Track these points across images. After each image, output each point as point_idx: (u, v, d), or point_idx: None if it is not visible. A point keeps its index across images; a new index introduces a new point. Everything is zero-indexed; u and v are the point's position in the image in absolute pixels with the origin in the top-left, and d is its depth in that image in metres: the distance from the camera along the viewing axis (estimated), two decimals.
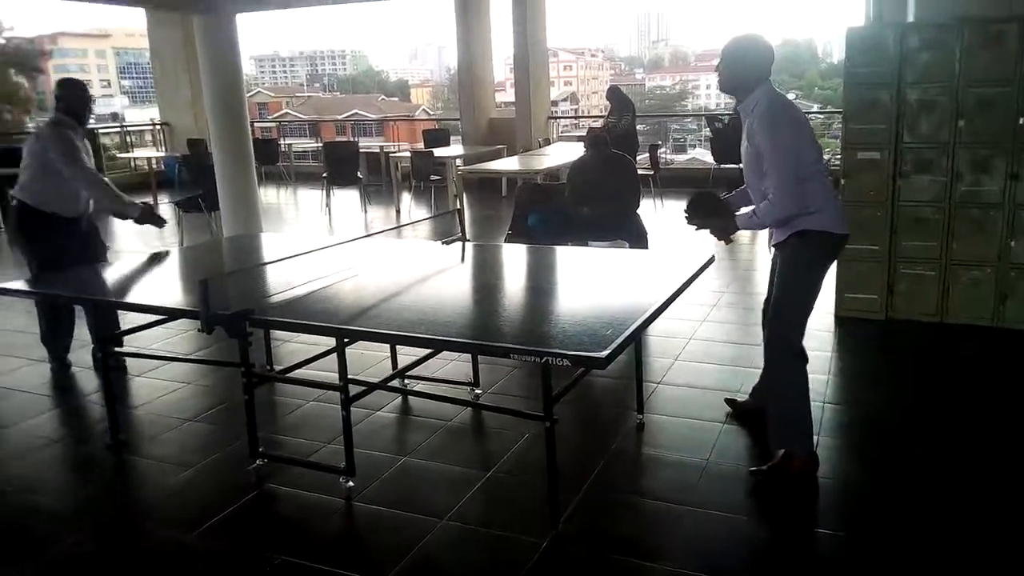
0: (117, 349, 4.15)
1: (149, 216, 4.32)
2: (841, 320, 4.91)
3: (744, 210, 3.06)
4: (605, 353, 2.23)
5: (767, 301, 3.25)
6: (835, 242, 2.99)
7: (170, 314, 3.44)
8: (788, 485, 2.96)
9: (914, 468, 3.11)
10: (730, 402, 3.61)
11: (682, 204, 3.21)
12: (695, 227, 3.12)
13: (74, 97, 4.21)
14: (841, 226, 2.97)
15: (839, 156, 5.15)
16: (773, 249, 3.16)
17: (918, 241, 4.75)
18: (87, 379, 4.33)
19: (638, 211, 5.65)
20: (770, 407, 3.12)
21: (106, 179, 4.36)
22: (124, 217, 4.31)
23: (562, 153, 9.64)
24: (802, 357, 3.02)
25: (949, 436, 3.38)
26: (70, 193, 4.18)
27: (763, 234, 2.89)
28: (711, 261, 3.37)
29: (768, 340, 3.10)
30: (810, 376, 3.06)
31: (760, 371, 3.42)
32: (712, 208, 3.11)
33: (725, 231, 3.07)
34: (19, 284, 3.50)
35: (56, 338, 4.40)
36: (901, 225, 4.78)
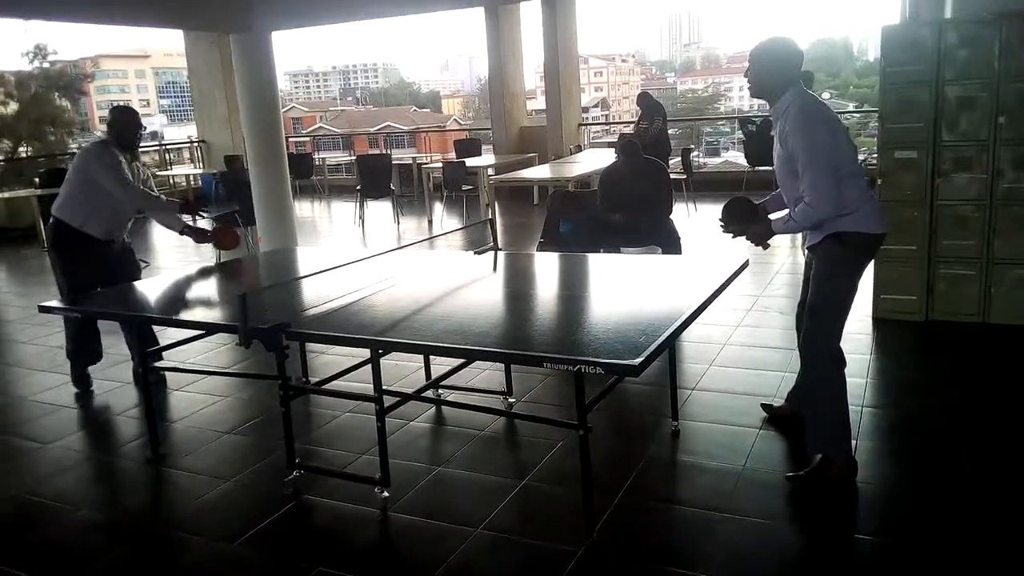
0: (157, 364, 4.22)
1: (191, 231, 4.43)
2: (879, 322, 4.82)
3: (779, 214, 3.02)
4: (639, 360, 2.22)
5: (801, 305, 3.21)
6: (871, 242, 2.93)
7: (208, 329, 3.50)
8: (826, 490, 2.91)
9: (955, 473, 3.03)
10: (766, 407, 3.56)
11: (716, 208, 3.18)
12: (731, 235, 3.09)
13: (124, 124, 4.28)
14: (878, 225, 2.91)
15: (875, 156, 5.07)
16: (807, 252, 3.12)
17: (958, 240, 4.65)
18: (127, 394, 4.41)
19: (671, 216, 5.62)
20: (806, 411, 3.07)
21: (152, 193, 4.45)
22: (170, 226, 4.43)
23: (593, 160, 9.63)
24: (839, 360, 2.97)
25: (991, 440, 3.30)
26: (106, 214, 4.24)
27: (798, 237, 2.83)
28: (745, 265, 3.34)
29: (804, 344, 3.05)
30: (848, 380, 3.01)
31: (796, 375, 3.37)
32: (747, 214, 3.07)
33: (762, 237, 3.03)
34: (61, 302, 3.59)
35: (82, 355, 4.47)
36: (940, 224, 4.69)
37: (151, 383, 4.17)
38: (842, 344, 2.97)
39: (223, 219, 4.53)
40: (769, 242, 3.07)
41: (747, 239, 3.06)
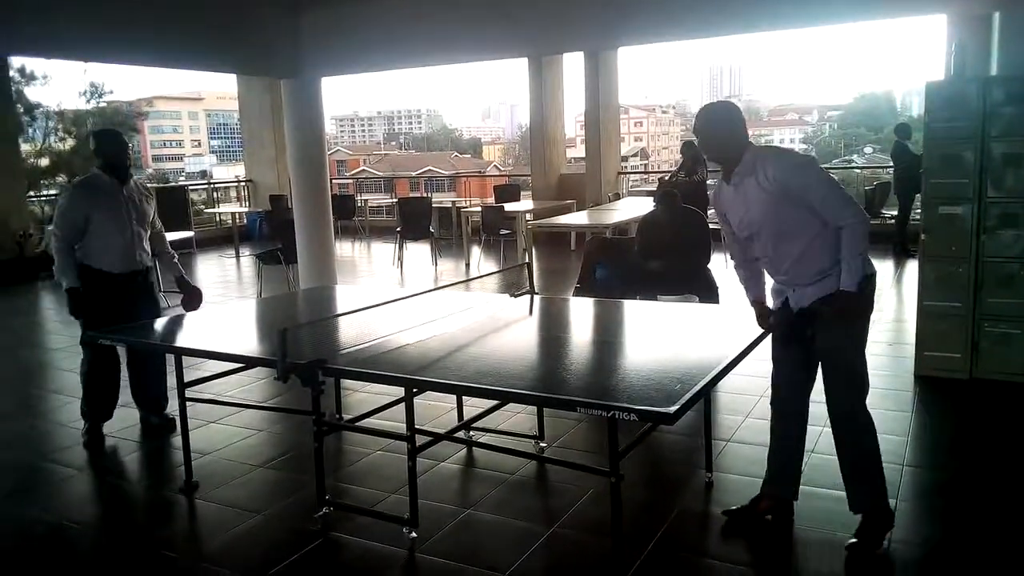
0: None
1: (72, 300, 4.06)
2: (921, 379, 4.71)
3: (840, 272, 2.74)
4: (674, 408, 2.20)
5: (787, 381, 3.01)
6: (873, 281, 2.80)
7: (247, 362, 3.55)
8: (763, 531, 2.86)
9: (995, 537, 2.92)
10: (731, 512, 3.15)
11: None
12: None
13: (109, 146, 4.08)
14: (871, 265, 2.80)
15: (919, 211, 5.02)
16: (804, 307, 2.82)
17: (1004, 298, 4.56)
18: (155, 427, 4.44)
19: (708, 265, 5.60)
20: (854, 471, 2.89)
21: (57, 246, 4.05)
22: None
23: (631, 208, 9.67)
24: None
25: None
26: (107, 248, 4.07)
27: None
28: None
29: (843, 405, 2.84)
30: (889, 437, 2.94)
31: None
32: (802, 328, 2.83)
33: (853, 310, 2.75)
34: (101, 335, 3.66)
35: (98, 410, 4.27)
36: (986, 281, 4.60)
37: (155, 426, 4.27)
38: (883, 400, 2.94)
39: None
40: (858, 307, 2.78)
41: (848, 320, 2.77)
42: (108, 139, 4.16)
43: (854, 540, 2.84)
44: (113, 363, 4.30)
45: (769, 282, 2.99)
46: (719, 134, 2.83)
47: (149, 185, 4.57)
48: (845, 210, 2.67)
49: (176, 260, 4.48)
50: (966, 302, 4.65)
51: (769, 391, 2.98)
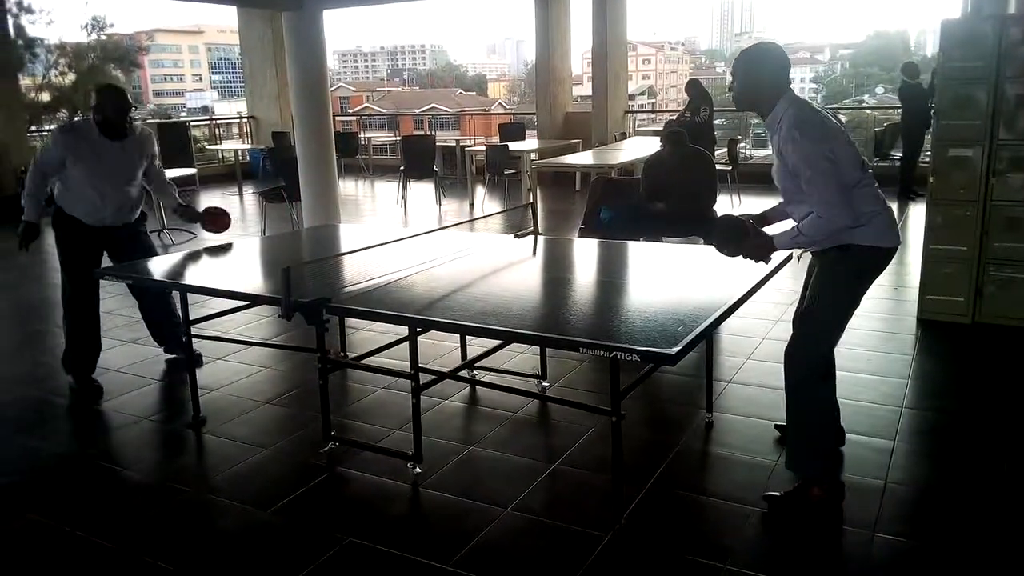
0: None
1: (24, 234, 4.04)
2: (923, 323, 4.72)
3: (782, 225, 2.78)
4: (675, 349, 2.22)
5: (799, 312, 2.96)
6: (882, 256, 2.72)
7: (252, 300, 3.57)
8: (807, 514, 2.75)
9: (990, 479, 2.97)
10: (782, 428, 3.30)
11: (761, 200, 3.12)
12: (729, 256, 2.83)
13: (110, 108, 3.91)
14: (890, 238, 2.70)
15: (929, 153, 4.96)
16: (811, 257, 2.89)
17: (1011, 243, 4.53)
18: (173, 362, 4.51)
19: (714, 207, 5.56)
20: (790, 429, 2.90)
21: (31, 169, 4.03)
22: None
23: (638, 148, 9.56)
24: (827, 374, 2.80)
25: None
26: (78, 201, 3.96)
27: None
28: (788, 260, 3.29)
29: (789, 351, 2.81)
30: (889, 380, 2.95)
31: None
32: (736, 232, 2.79)
33: (760, 250, 2.75)
34: (115, 268, 3.68)
35: (80, 362, 4.16)
36: (993, 225, 4.56)
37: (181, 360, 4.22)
38: (885, 343, 2.92)
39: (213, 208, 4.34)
40: (771, 257, 2.81)
41: (745, 257, 2.80)
42: (110, 99, 3.93)
43: (775, 494, 2.80)
44: (93, 309, 4.15)
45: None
46: (747, 79, 2.69)
47: (150, 121, 4.50)
48: (821, 205, 2.54)
49: (175, 191, 4.39)
50: (972, 246, 4.62)
51: (771, 331, 2.99)
